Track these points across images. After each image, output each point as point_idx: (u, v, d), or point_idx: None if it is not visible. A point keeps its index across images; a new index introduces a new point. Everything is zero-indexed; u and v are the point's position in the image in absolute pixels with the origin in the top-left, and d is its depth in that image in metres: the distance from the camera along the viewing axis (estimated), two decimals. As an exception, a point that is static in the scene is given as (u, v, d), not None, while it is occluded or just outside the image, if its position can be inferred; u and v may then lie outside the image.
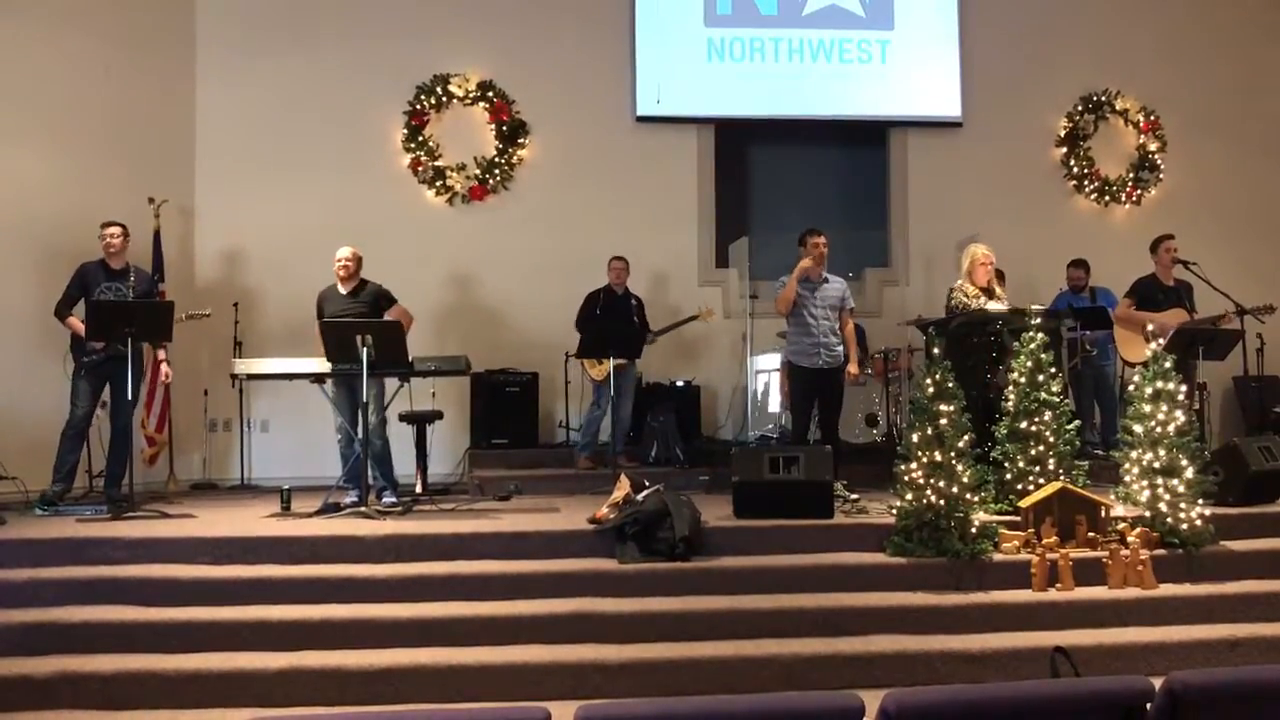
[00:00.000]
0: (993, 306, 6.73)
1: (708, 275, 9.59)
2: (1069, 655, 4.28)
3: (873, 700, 2.71)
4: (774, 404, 8.71)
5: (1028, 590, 5.25)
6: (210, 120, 9.08)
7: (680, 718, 2.65)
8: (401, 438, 7.44)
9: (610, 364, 7.73)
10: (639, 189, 9.46)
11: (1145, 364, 5.93)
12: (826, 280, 7.02)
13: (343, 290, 6.96)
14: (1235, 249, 9.28)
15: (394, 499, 6.76)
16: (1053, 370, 6.03)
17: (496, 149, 9.36)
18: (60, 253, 7.47)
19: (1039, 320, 6.17)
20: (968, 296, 6.83)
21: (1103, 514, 5.60)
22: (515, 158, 9.39)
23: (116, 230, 7.01)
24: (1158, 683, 2.76)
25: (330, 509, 6.35)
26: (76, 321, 6.80)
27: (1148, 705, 2.68)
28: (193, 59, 9.09)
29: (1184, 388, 5.87)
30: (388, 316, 6.86)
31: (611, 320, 8.06)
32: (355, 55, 9.21)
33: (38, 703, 4.44)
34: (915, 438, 5.57)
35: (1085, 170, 9.95)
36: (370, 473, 6.62)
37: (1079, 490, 5.70)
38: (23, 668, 4.55)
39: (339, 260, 6.95)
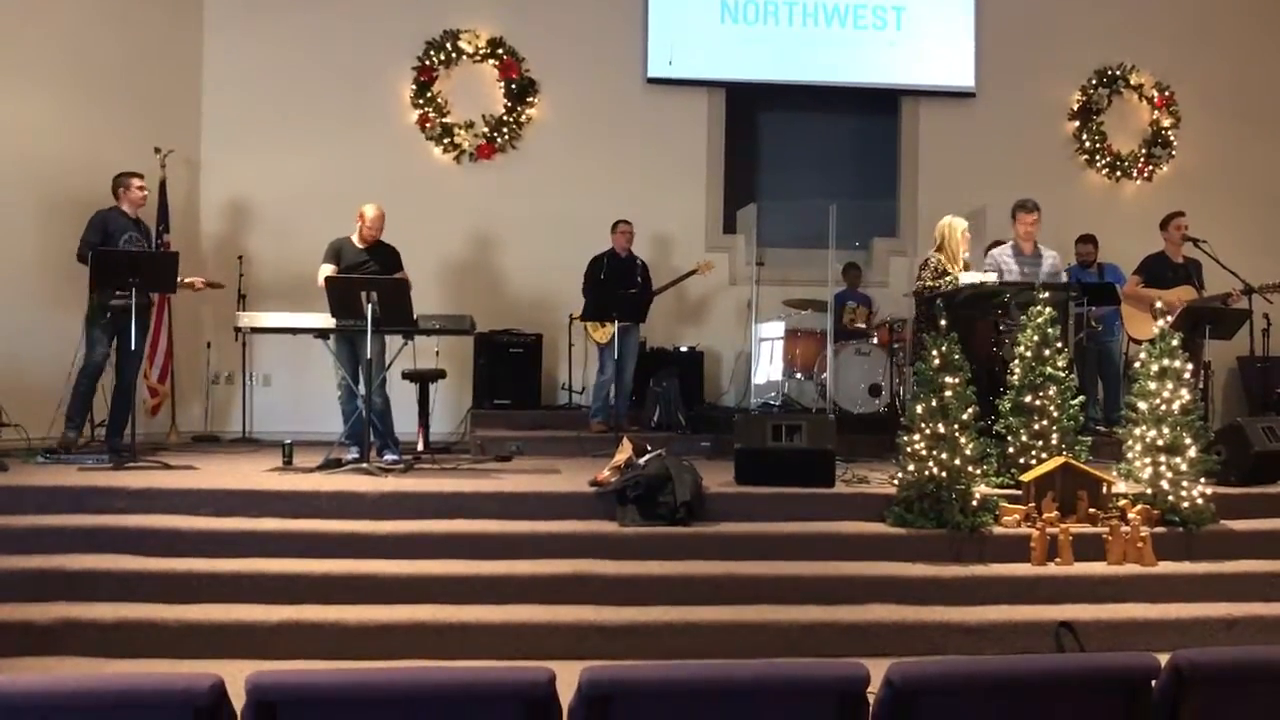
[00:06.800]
0: (966, 278, 6.60)
1: (715, 240, 9.54)
2: (1075, 631, 4.28)
3: (871, 668, 2.71)
4: (777, 372, 8.69)
5: (1027, 564, 5.25)
6: (217, 72, 8.99)
7: (688, 681, 2.66)
8: (404, 396, 7.43)
9: (613, 328, 7.70)
10: (648, 151, 9.38)
11: (1152, 341, 5.91)
12: (1040, 255, 6.99)
13: (359, 244, 6.93)
14: (1247, 227, 9.22)
15: (395, 456, 6.76)
16: (1058, 345, 6.01)
17: (505, 107, 9.27)
18: (64, 201, 7.42)
19: (1046, 295, 6.13)
20: (950, 272, 6.72)
21: (1104, 490, 5.60)
22: (524, 116, 9.30)
23: (143, 182, 6.92)
24: (1160, 659, 2.76)
25: (332, 464, 6.36)
26: None
27: (1152, 683, 2.67)
28: (200, 9, 8.98)
29: (1190, 366, 5.85)
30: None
31: (616, 284, 8.03)
32: (364, 9, 9.09)
33: (39, 649, 4.46)
34: (919, 409, 5.55)
35: (1097, 145, 9.86)
36: (371, 429, 6.62)
37: (1081, 466, 5.70)
38: (25, 614, 4.57)
39: (369, 220, 6.87)
